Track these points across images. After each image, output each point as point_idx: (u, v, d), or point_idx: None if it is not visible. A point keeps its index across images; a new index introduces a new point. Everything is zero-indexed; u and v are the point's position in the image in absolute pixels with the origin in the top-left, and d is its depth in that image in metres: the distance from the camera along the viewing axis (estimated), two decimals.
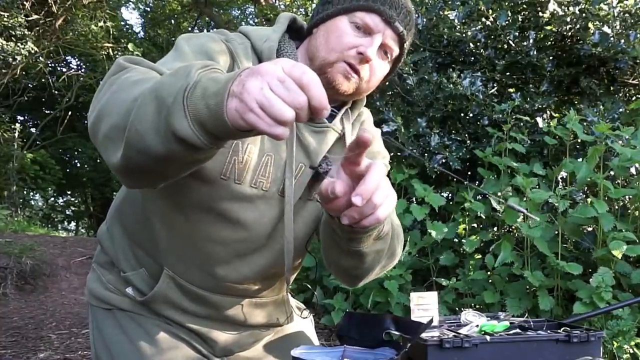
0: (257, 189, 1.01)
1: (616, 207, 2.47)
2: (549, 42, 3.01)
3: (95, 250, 1.24)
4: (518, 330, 1.49)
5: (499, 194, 2.54)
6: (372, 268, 1.00)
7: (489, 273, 2.46)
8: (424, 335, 1.37)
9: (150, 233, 1.07)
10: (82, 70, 10.51)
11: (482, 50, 2.91)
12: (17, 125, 8.98)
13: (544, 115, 2.95)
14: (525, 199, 2.39)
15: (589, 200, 2.75)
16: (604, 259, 2.22)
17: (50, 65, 9.66)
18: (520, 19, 3.02)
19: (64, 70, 10.21)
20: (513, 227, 2.66)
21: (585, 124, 2.62)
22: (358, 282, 1.08)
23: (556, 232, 2.34)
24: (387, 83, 3.23)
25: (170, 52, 0.99)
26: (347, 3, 1.04)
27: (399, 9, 1.04)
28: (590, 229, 2.51)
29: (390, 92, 3.26)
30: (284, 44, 1.07)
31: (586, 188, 2.71)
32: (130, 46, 9.20)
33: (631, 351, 2.03)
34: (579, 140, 2.60)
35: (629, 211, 2.51)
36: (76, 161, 13.11)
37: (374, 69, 1.05)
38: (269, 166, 1.01)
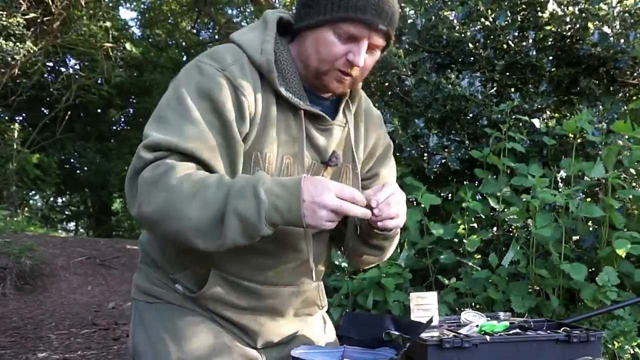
0: None
1: (617, 207, 2.46)
2: (549, 42, 3.01)
3: (139, 256, 1.31)
4: (518, 331, 1.49)
5: (498, 194, 2.53)
6: (376, 256, 1.30)
7: (492, 273, 2.45)
8: (424, 335, 1.37)
9: None
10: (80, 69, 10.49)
11: (481, 50, 2.91)
12: (16, 125, 8.96)
13: (543, 116, 2.95)
14: (524, 198, 2.39)
15: (588, 199, 2.75)
16: (609, 258, 2.22)
17: (48, 65, 9.64)
18: (519, 19, 3.02)
19: (63, 70, 10.20)
20: (513, 227, 2.65)
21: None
22: (365, 265, 1.37)
23: (561, 233, 2.33)
24: (386, 84, 3.23)
25: (173, 102, 1.06)
26: (329, 14, 1.08)
27: (379, 12, 1.07)
28: (591, 228, 2.50)
29: (389, 93, 3.26)
30: (279, 53, 1.13)
31: (586, 188, 2.70)
32: (127, 45, 9.19)
33: (632, 352, 2.02)
34: (579, 141, 2.59)
35: (629, 211, 2.50)
36: (75, 161, 13.09)
37: (365, 65, 1.13)
38: (290, 166, 1.15)
